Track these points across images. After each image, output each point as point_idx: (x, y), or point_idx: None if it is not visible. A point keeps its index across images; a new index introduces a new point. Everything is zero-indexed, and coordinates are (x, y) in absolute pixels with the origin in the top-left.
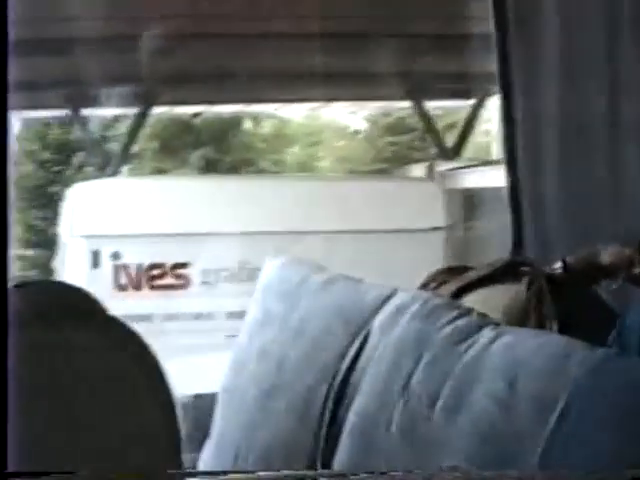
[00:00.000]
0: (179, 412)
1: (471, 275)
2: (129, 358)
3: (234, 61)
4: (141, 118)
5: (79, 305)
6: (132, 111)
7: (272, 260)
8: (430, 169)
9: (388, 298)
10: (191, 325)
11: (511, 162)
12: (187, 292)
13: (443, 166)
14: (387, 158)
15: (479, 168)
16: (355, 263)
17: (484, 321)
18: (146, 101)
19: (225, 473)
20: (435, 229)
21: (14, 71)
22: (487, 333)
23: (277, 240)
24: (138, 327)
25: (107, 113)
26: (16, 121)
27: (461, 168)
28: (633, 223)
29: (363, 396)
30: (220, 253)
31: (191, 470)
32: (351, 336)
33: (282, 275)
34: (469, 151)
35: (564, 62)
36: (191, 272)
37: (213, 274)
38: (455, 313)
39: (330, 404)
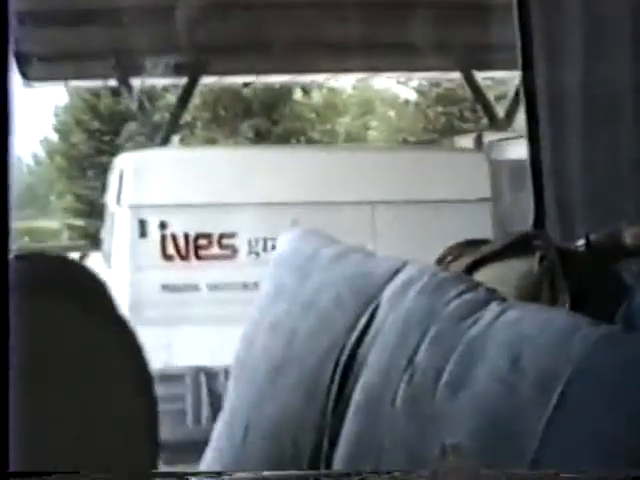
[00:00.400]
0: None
1: (486, 249)
2: (108, 343)
3: (283, 31)
4: (190, 88)
5: (68, 282)
6: (182, 81)
7: (286, 232)
8: (478, 140)
9: (397, 271)
10: (238, 295)
11: (533, 137)
12: (234, 262)
13: (492, 137)
14: (437, 128)
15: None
16: (402, 234)
17: (491, 296)
18: (196, 71)
19: (228, 473)
20: (482, 200)
21: (62, 41)
22: (493, 308)
23: (324, 210)
24: (185, 297)
25: (157, 83)
26: (64, 91)
27: (509, 139)
28: None
29: (369, 371)
30: (267, 223)
31: (194, 471)
32: (360, 310)
33: (294, 247)
34: (520, 122)
35: (587, 33)
36: (238, 242)
37: (260, 244)
38: (462, 287)
39: (337, 378)
